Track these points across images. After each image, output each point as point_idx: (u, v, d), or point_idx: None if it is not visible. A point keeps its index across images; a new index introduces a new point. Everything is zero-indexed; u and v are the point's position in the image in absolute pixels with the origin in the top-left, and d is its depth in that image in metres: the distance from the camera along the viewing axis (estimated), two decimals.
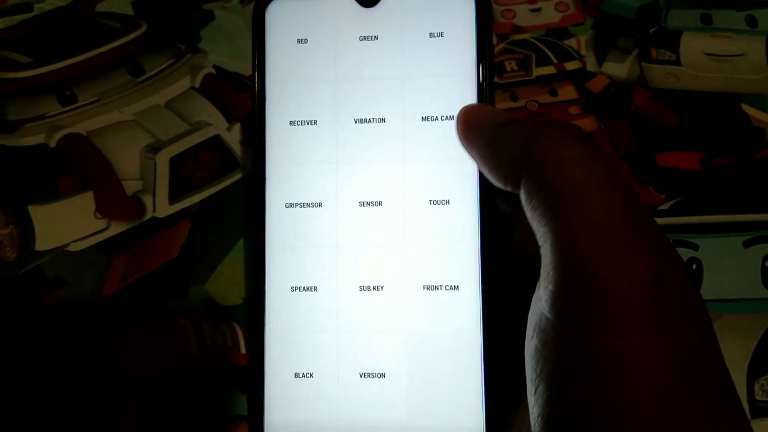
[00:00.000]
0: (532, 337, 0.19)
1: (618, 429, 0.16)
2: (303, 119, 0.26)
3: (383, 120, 0.25)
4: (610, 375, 0.17)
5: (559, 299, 0.18)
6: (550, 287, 0.18)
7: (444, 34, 0.26)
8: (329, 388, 0.25)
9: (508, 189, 0.21)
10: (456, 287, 0.25)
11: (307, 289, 0.25)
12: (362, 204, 0.25)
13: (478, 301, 0.25)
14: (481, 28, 0.25)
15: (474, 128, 0.23)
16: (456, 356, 0.24)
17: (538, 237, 0.19)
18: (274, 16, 0.26)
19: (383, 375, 0.25)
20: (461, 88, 0.25)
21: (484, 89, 0.25)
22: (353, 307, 0.25)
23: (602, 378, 0.17)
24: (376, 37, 0.26)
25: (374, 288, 0.25)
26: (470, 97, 0.25)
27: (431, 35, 0.26)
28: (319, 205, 0.25)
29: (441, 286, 0.25)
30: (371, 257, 0.25)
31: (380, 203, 0.25)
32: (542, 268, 0.19)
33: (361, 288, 0.25)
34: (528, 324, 0.20)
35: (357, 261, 0.25)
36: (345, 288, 0.25)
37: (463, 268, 0.25)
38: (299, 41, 0.26)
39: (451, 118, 0.25)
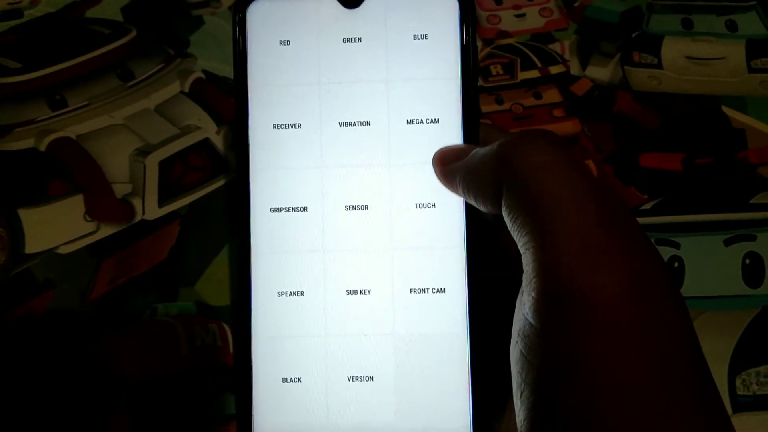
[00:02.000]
0: (517, 342, 0.19)
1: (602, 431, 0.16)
2: (287, 122, 0.25)
3: (368, 123, 0.25)
4: (592, 379, 0.17)
5: (541, 307, 0.18)
6: (533, 295, 0.18)
7: (428, 36, 0.25)
8: (317, 392, 0.24)
9: (495, 210, 0.21)
10: (443, 290, 0.24)
11: (294, 293, 0.25)
12: (348, 208, 0.25)
13: (465, 304, 0.24)
14: (465, 30, 0.25)
15: (450, 165, 0.23)
16: (443, 359, 0.24)
17: (519, 246, 0.19)
18: (255, 17, 0.25)
19: (371, 378, 0.24)
20: (446, 91, 0.25)
21: (468, 91, 0.25)
22: (340, 312, 0.25)
23: (585, 383, 0.17)
24: (359, 39, 0.25)
25: (361, 292, 0.25)
26: (455, 100, 0.25)
27: (415, 37, 0.25)
28: (305, 209, 0.25)
29: (428, 289, 0.24)
30: (358, 261, 0.25)
31: (366, 207, 0.25)
32: (524, 275, 0.19)
33: (348, 292, 0.25)
34: (513, 329, 0.20)
35: (344, 265, 0.25)
36: (332, 292, 0.25)
37: (450, 271, 0.24)
38: (281, 43, 0.25)
39: (437, 121, 0.25)
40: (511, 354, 0.19)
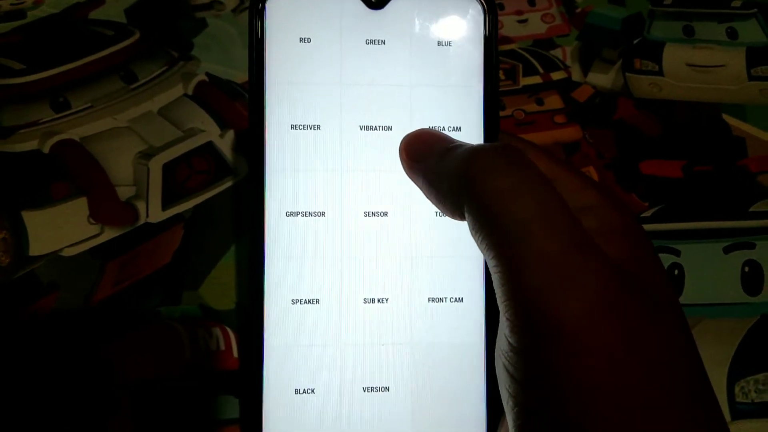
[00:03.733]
0: (501, 356, 0.19)
1: None
2: (305, 123, 0.24)
3: (389, 128, 0.24)
4: (572, 395, 0.17)
5: (515, 328, 0.18)
6: (506, 316, 0.18)
7: (452, 43, 0.25)
8: (331, 403, 0.24)
9: (457, 219, 0.20)
10: (461, 299, 0.24)
11: (309, 301, 0.24)
12: (367, 214, 0.24)
13: (483, 314, 0.24)
14: (489, 39, 0.25)
15: (417, 158, 0.22)
16: (460, 369, 0.24)
17: (489, 266, 0.19)
18: (274, 11, 0.24)
19: (387, 389, 0.24)
20: (468, 99, 0.25)
21: (491, 101, 0.24)
22: (357, 320, 0.24)
23: (565, 398, 0.17)
24: (383, 42, 0.24)
25: (379, 300, 0.24)
26: (477, 108, 0.24)
27: (440, 43, 0.25)
28: (322, 214, 0.24)
29: (446, 298, 0.24)
30: (376, 269, 0.24)
31: (386, 214, 0.24)
32: (497, 296, 0.19)
33: (366, 300, 0.24)
34: (497, 342, 0.20)
35: (361, 273, 0.24)
36: (348, 300, 0.24)
37: (468, 280, 0.24)
38: (302, 40, 0.24)
39: (459, 129, 0.24)
40: (496, 366, 0.20)
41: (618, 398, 0.17)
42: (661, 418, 0.17)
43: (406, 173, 0.23)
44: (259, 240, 0.24)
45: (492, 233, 0.19)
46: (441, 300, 0.24)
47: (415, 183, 0.22)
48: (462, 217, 0.20)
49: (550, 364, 0.17)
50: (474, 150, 0.20)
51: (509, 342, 0.18)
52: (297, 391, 0.24)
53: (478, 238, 0.19)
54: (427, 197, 0.22)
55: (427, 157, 0.22)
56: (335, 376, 0.24)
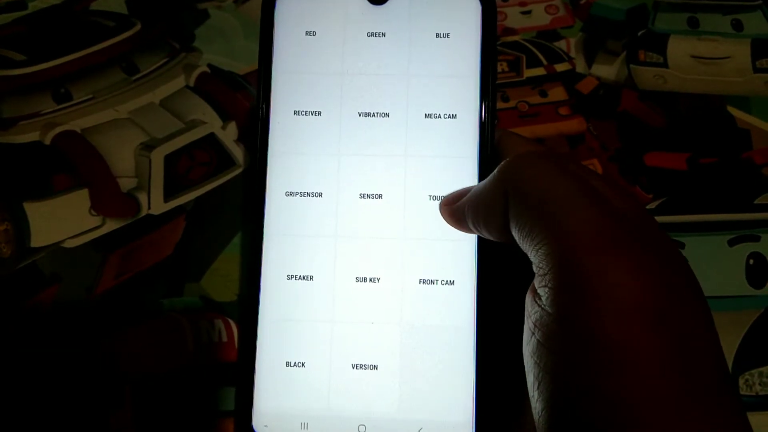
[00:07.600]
0: (533, 334, 0.19)
1: (621, 413, 0.17)
2: (307, 110, 0.26)
3: (387, 115, 0.26)
4: (611, 358, 0.17)
5: (558, 295, 0.18)
6: (549, 285, 0.19)
7: (450, 35, 0.26)
8: (321, 377, 0.25)
9: (506, 238, 0.21)
10: (452, 282, 0.25)
11: (303, 278, 0.25)
12: (362, 196, 0.25)
13: (473, 298, 0.25)
14: (486, 31, 0.26)
15: (456, 204, 0.24)
16: (449, 351, 0.25)
17: (531, 251, 0.20)
18: (283, 7, 0.26)
19: (375, 367, 0.25)
20: (465, 88, 0.26)
21: (487, 90, 0.26)
22: (349, 298, 0.25)
23: (604, 362, 0.17)
24: (383, 34, 0.26)
25: (370, 280, 0.25)
26: (473, 97, 0.26)
27: (438, 35, 0.26)
28: (320, 195, 0.25)
29: (437, 280, 0.25)
30: (369, 249, 0.25)
31: (380, 196, 0.25)
32: (537, 275, 0.19)
33: (358, 279, 0.25)
34: (526, 324, 0.20)
35: (354, 252, 0.25)
36: (341, 279, 0.25)
37: (460, 263, 0.25)
38: (307, 33, 0.26)
39: (454, 116, 0.26)
40: (525, 350, 0.20)
41: (656, 367, 0.17)
42: (693, 399, 0.17)
43: (450, 220, 0.25)
44: (259, 216, 0.25)
45: (538, 212, 0.20)
46: (432, 282, 0.25)
47: (459, 223, 0.24)
48: (508, 228, 0.21)
49: (592, 326, 0.18)
50: (510, 159, 0.22)
51: (548, 312, 0.19)
52: (288, 364, 0.25)
53: (521, 222, 0.20)
54: (474, 224, 0.23)
55: (465, 194, 0.24)
56: (326, 351, 0.25)
